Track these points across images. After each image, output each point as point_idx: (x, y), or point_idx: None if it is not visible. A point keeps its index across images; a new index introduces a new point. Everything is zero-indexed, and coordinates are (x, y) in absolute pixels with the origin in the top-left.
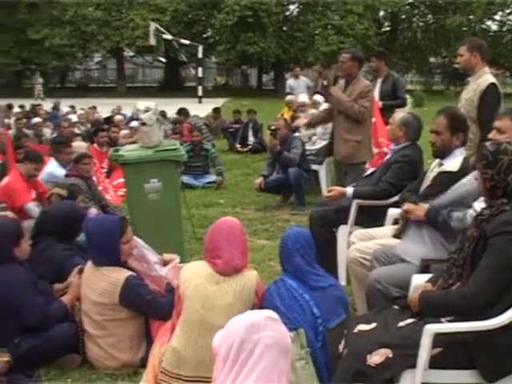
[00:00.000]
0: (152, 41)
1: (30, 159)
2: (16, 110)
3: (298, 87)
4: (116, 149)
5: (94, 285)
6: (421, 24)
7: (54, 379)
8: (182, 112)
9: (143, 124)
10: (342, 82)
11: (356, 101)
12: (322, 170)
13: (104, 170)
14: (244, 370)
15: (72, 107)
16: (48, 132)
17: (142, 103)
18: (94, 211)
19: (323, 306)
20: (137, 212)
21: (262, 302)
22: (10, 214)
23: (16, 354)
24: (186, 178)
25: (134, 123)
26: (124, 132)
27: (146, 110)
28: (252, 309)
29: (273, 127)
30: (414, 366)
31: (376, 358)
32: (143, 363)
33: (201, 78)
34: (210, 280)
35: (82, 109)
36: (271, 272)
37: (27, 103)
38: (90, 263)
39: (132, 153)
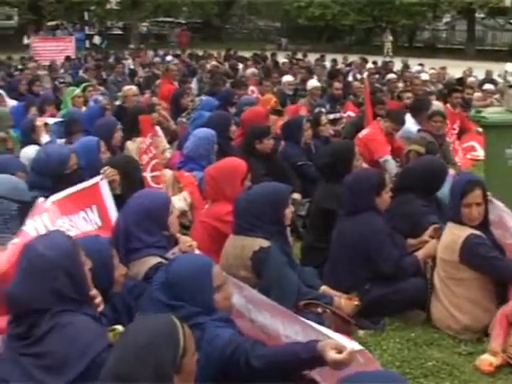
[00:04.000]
0: (507, 2)
1: (391, 118)
2: (369, 65)
3: None
4: (478, 110)
5: (443, 240)
6: None
7: (397, 330)
8: None
9: (511, 87)
10: None
11: None
12: None
13: (455, 132)
14: None
15: (421, 65)
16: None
17: (511, 65)
18: (451, 171)
19: None
20: (494, 176)
21: None
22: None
23: (365, 299)
24: None
25: (488, 86)
26: (477, 95)
27: None
28: None
29: None
30: None
31: None
32: (486, 330)
33: None
34: None
35: (433, 68)
36: None
37: (376, 60)
38: None
39: (496, 115)
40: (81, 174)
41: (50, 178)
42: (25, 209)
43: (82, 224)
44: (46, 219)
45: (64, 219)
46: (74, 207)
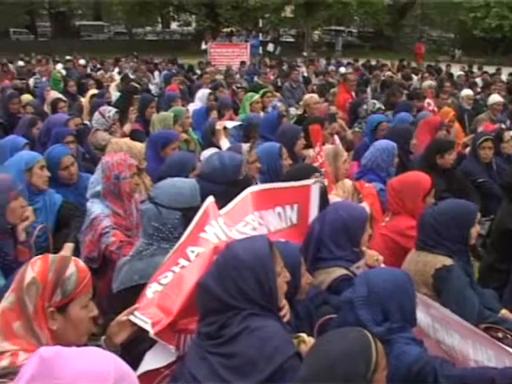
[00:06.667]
0: None
1: None
2: None
3: None
4: None
5: None
6: None
7: None
8: None
9: None
10: None
11: None
12: None
13: None
14: None
15: None
16: None
17: None
18: None
19: None
20: None
21: None
22: None
23: None
24: None
25: None
26: None
27: None
28: None
29: None
30: None
31: None
32: None
33: None
34: None
35: None
36: None
37: None
38: None
39: None
40: (249, 180)
41: (224, 185)
42: (190, 215)
43: (274, 220)
44: (223, 224)
45: (254, 216)
46: (273, 201)
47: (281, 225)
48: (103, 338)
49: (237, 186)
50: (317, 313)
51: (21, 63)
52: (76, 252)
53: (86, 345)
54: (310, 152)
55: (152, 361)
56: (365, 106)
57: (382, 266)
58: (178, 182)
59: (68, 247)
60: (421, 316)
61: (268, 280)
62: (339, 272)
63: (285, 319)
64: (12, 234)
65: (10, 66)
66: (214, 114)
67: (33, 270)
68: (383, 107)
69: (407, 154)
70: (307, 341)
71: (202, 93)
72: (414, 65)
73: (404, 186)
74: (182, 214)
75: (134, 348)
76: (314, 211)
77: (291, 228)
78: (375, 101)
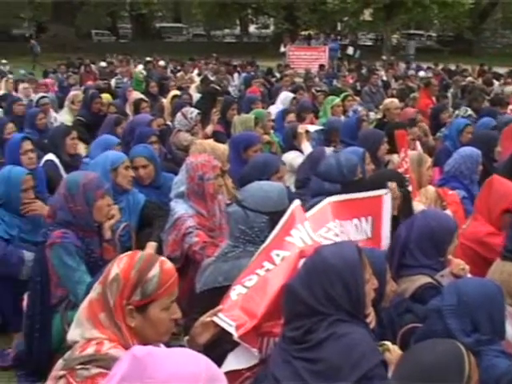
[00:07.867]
0: None
1: None
2: None
3: None
4: None
5: None
6: None
7: None
8: None
9: None
10: None
11: None
12: None
13: None
14: None
15: None
16: None
17: None
18: None
19: None
20: None
21: None
22: None
23: None
24: None
25: None
26: None
27: None
28: None
29: None
30: None
31: None
32: None
33: None
34: None
35: None
36: None
37: None
38: None
39: None
40: (365, 184)
41: (339, 184)
42: (276, 218)
43: (352, 231)
44: (309, 228)
45: (336, 223)
46: (350, 213)
47: (358, 236)
48: (186, 338)
49: (352, 187)
50: (399, 321)
51: (103, 64)
52: (159, 251)
53: (168, 345)
54: (394, 157)
55: (234, 362)
56: (456, 112)
57: (469, 275)
58: (266, 185)
59: (151, 246)
60: (508, 329)
61: (356, 286)
62: (423, 280)
63: (371, 326)
64: (98, 231)
65: (93, 66)
66: (291, 117)
67: (118, 266)
68: (475, 114)
69: (491, 161)
70: (392, 349)
71: (286, 96)
72: (495, 70)
73: (496, 191)
74: (269, 218)
75: (216, 349)
76: (386, 223)
77: (367, 241)
78: (467, 108)
